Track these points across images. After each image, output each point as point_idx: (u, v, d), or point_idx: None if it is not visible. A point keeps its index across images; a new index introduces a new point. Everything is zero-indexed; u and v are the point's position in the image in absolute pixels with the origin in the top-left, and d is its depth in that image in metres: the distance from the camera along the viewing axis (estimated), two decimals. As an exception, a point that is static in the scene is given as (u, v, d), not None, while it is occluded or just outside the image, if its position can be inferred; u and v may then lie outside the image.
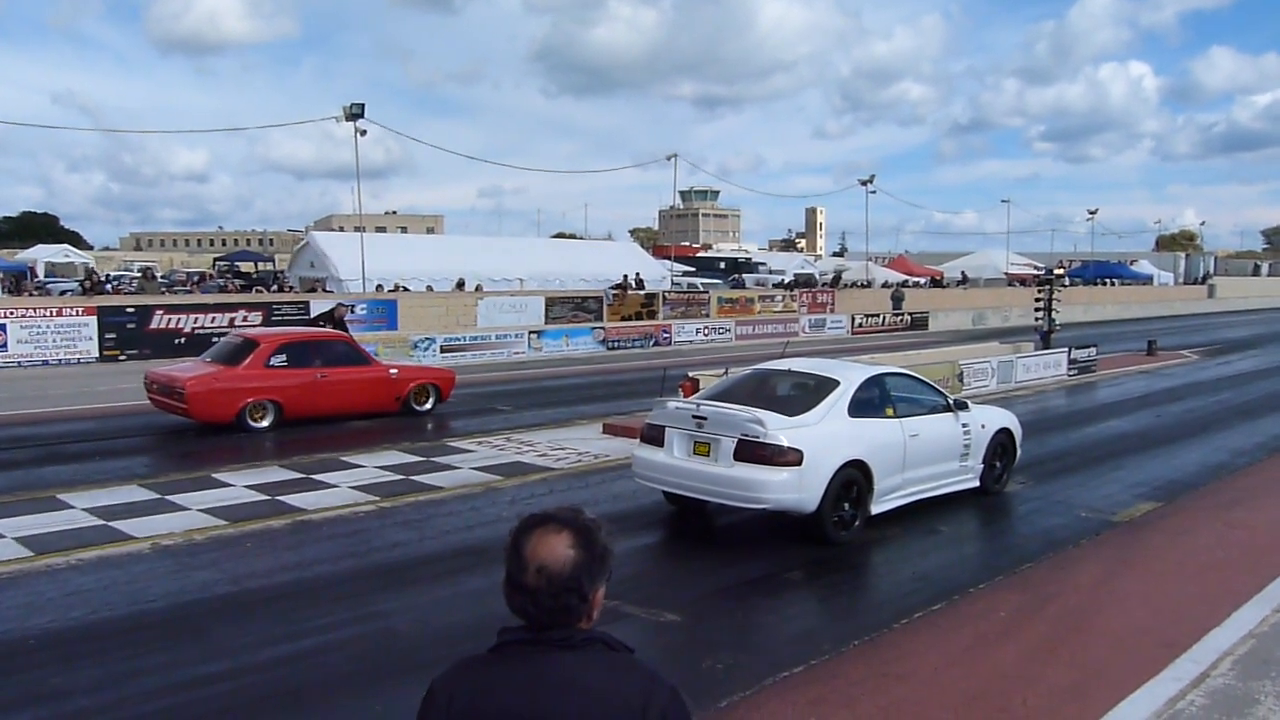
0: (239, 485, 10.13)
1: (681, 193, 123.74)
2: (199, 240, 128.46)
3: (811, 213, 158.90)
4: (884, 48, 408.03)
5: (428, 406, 15.35)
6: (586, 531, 2.01)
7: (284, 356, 13.88)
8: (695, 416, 8.41)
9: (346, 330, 18.05)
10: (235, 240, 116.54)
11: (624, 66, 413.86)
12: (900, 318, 38.95)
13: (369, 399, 14.67)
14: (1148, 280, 70.99)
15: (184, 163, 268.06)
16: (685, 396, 11.32)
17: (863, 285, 48.25)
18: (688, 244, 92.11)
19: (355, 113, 30.66)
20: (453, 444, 12.84)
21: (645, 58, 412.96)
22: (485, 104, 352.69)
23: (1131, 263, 76.83)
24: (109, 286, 29.13)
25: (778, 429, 7.98)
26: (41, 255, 47.31)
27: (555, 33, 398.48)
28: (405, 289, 30.68)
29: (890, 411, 9.00)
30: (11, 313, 20.87)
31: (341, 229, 55.20)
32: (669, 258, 50.65)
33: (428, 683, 2.06)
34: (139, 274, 37.34)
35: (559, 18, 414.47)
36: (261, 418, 13.52)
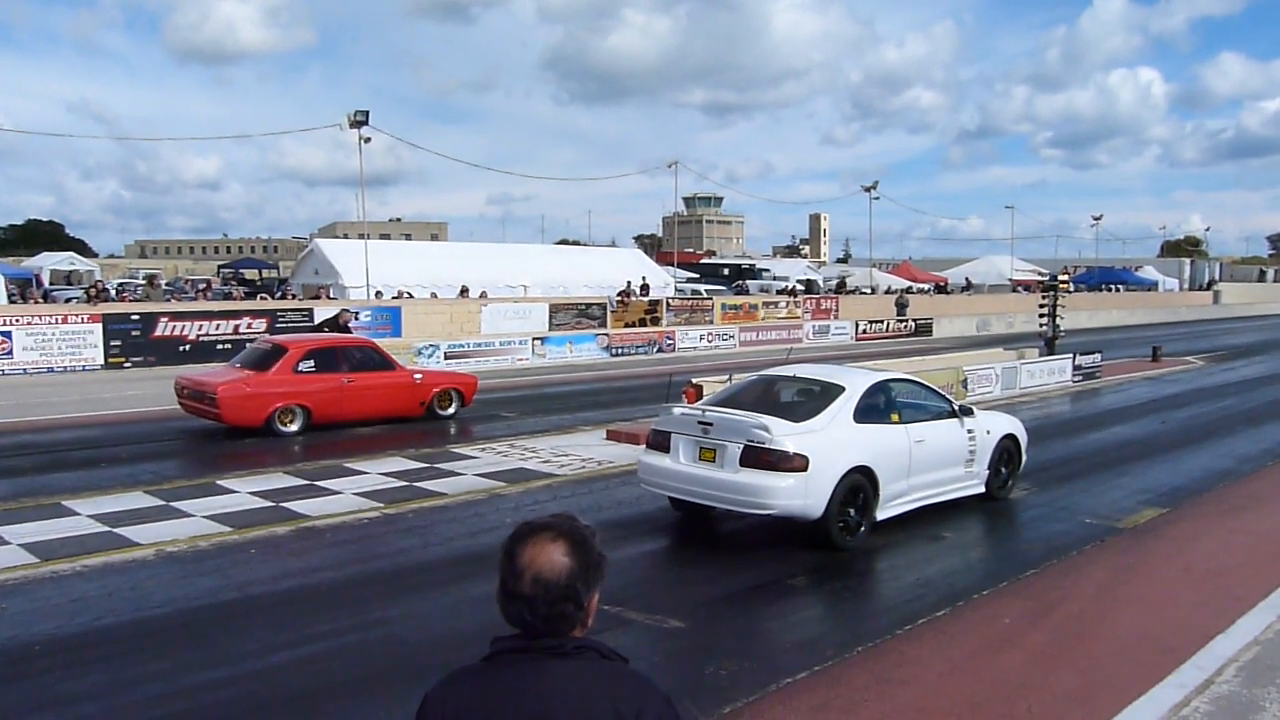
0: (244, 492, 10.15)
1: (685, 199, 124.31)
2: (204, 248, 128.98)
3: (815, 219, 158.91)
4: (895, 55, 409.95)
5: (450, 411, 15.51)
6: (581, 539, 2.01)
7: (312, 362, 14.08)
8: (701, 422, 8.42)
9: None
10: (240, 247, 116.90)
11: (636, 74, 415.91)
12: (904, 324, 38.91)
13: (394, 404, 14.85)
14: (1153, 286, 70.97)
15: (195, 170, 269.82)
16: (689, 402, 11.33)
17: (865, 291, 48.22)
18: (691, 250, 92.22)
19: (359, 120, 30.80)
20: (457, 450, 12.85)
21: (657, 65, 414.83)
22: (497, 112, 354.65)
23: (1136, 269, 76.81)
24: (114, 294, 29.18)
25: (783, 435, 7.98)
26: (47, 263, 47.38)
27: (568, 41, 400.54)
28: (410, 296, 30.73)
29: (895, 417, 9.00)
30: (17, 320, 20.94)
31: (346, 236, 55.42)
32: (672, 264, 50.73)
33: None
34: (144, 281, 37.40)
35: (572, 26, 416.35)
36: (290, 422, 13.70)
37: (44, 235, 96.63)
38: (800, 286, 48.01)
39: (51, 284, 39.06)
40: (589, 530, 2.04)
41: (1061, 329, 23.23)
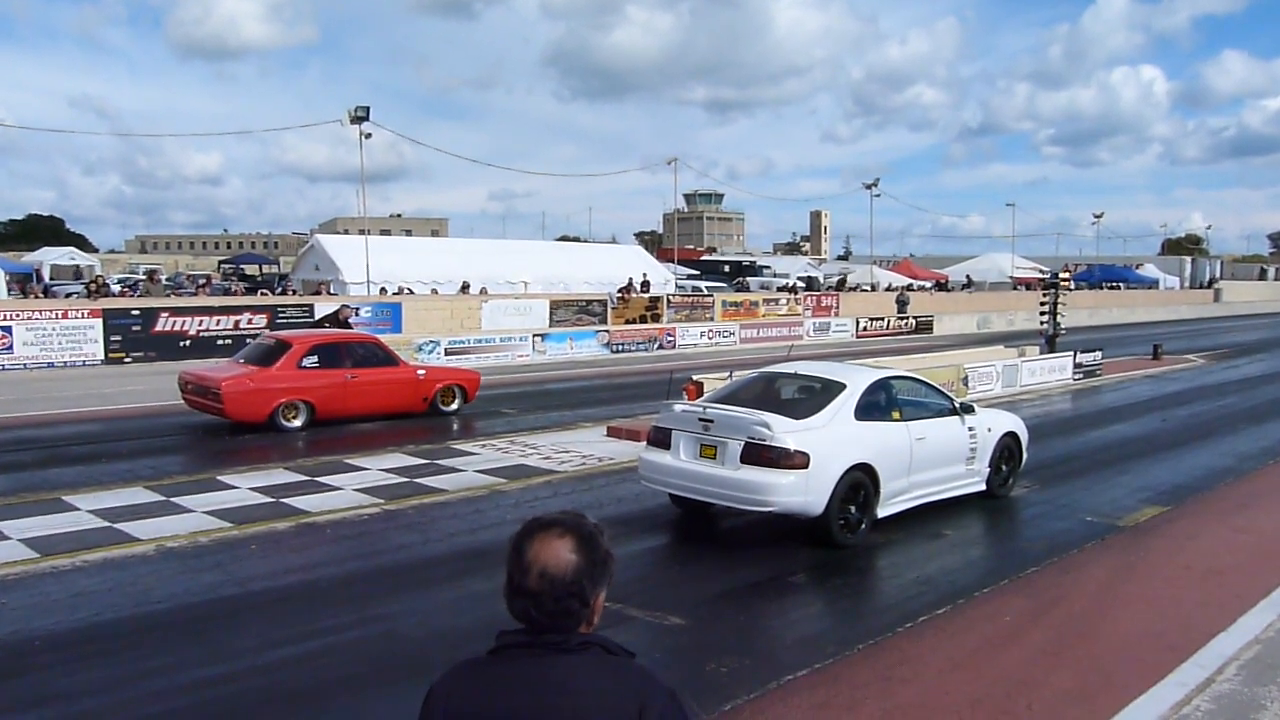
0: (244, 487, 10.14)
1: (686, 196, 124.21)
2: (204, 243, 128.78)
3: (816, 216, 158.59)
4: (897, 52, 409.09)
5: (454, 407, 15.56)
6: (589, 536, 2.02)
7: (316, 358, 14.10)
8: (701, 419, 8.41)
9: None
10: (240, 243, 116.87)
11: (637, 71, 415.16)
12: (905, 321, 38.90)
13: (397, 399, 14.88)
14: (1153, 284, 70.94)
15: (197, 166, 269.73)
16: (690, 399, 11.32)
17: (866, 289, 48.20)
18: (692, 247, 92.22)
19: (360, 116, 30.78)
20: (457, 446, 12.85)
21: (659, 62, 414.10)
22: (498, 108, 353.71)
23: (1137, 267, 76.77)
24: (115, 289, 29.17)
25: (784, 432, 7.97)
26: (47, 258, 47.31)
27: (570, 37, 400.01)
28: (410, 292, 30.72)
29: (896, 415, 8.99)
30: (18, 315, 20.95)
31: (346, 232, 55.32)
32: (673, 261, 50.72)
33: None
34: (144, 277, 37.41)
35: (574, 23, 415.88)
36: (294, 417, 13.72)
37: (45, 230, 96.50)
38: (801, 284, 48.00)
39: (58, 279, 39.05)
40: (597, 528, 2.05)
41: (1062, 327, 23.21)
